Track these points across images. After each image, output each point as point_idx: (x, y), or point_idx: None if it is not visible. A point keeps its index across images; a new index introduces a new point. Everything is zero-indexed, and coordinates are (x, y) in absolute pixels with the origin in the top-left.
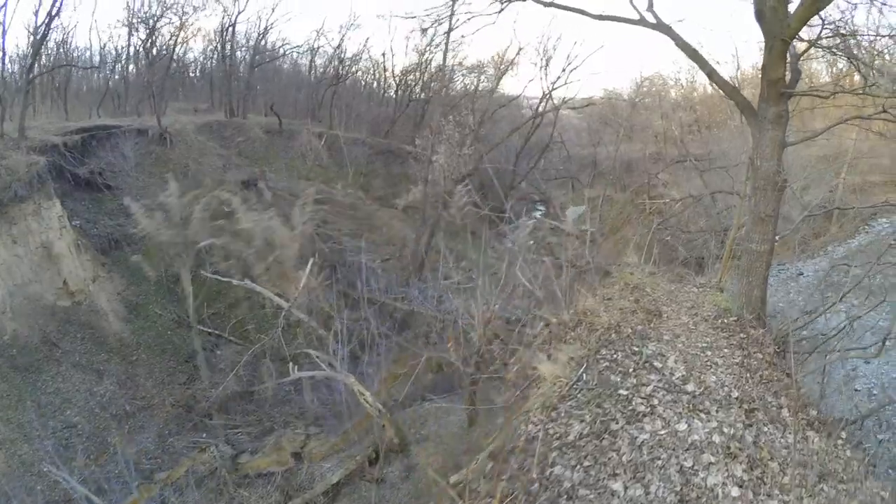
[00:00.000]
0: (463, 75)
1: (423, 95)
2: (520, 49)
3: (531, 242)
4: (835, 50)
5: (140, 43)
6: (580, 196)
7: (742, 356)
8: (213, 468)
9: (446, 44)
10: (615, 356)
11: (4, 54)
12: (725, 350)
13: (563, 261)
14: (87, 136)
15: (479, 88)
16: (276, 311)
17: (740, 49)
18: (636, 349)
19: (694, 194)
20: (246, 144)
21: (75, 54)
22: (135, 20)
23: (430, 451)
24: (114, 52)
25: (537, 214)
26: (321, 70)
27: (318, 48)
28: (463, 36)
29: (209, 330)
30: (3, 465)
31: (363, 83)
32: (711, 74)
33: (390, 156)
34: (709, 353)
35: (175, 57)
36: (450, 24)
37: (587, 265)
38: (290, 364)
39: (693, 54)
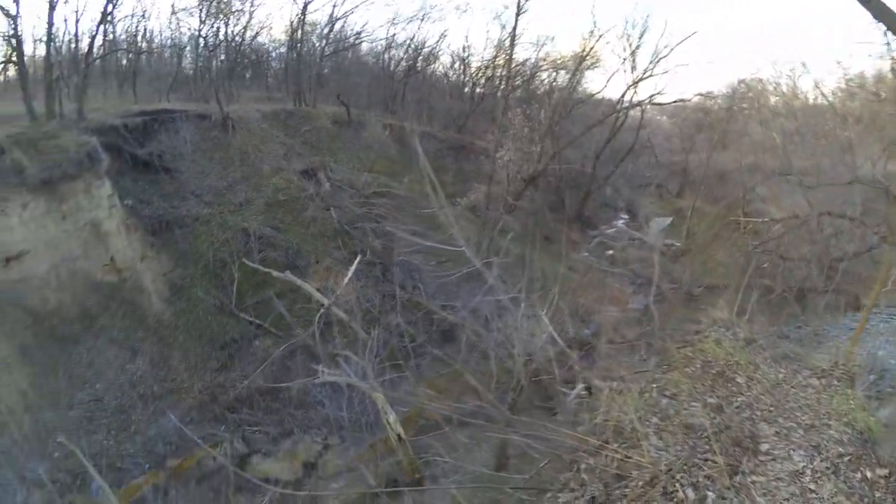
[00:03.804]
0: (544, 71)
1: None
2: (599, 37)
3: (610, 253)
4: None
5: (206, 31)
6: (668, 206)
7: None
8: (220, 465)
9: (514, 27)
10: None
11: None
12: None
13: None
14: (150, 120)
15: (557, 82)
16: (320, 307)
17: None
18: None
19: (799, 214)
20: (311, 134)
21: (156, 40)
22: (202, 8)
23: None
24: (186, 39)
25: (619, 223)
26: (397, 62)
27: (394, 38)
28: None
29: (250, 319)
30: (27, 429)
31: (445, 77)
32: None
33: (462, 151)
34: None
35: (250, 46)
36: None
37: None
38: (320, 366)
39: None
